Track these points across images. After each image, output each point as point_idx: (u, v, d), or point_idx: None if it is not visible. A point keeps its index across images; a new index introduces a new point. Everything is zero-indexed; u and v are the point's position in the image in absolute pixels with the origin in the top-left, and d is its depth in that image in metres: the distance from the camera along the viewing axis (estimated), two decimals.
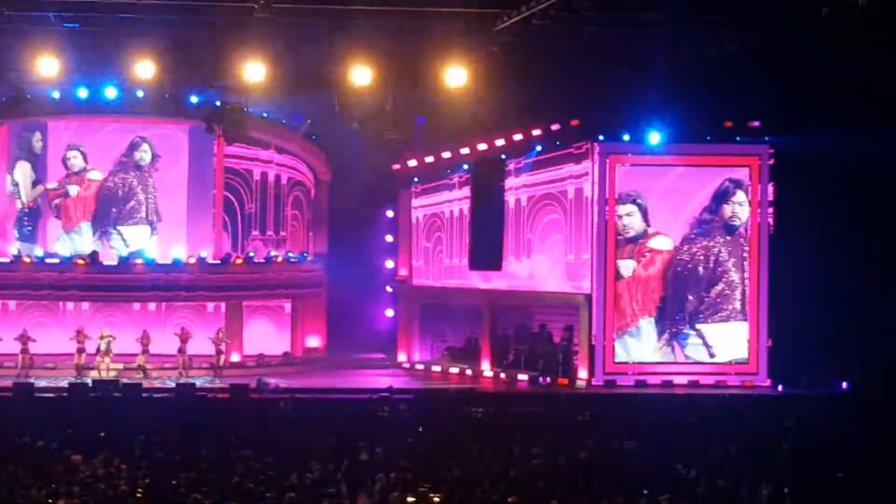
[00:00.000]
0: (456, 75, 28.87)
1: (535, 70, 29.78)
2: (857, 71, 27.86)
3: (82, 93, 31.11)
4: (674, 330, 32.23)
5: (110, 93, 30.40)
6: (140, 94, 31.25)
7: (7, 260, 35.04)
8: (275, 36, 27.83)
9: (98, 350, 32.89)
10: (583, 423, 26.37)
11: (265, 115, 35.54)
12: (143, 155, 36.09)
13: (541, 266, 34.06)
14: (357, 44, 28.43)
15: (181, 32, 27.66)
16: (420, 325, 37.60)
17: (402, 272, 38.02)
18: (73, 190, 36.06)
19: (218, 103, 31.10)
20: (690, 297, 32.21)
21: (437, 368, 35.90)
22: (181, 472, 19.15)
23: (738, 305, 32.28)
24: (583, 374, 32.31)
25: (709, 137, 32.52)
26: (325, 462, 19.91)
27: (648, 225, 32.37)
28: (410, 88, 29.80)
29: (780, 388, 31.68)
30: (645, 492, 18.22)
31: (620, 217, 32.26)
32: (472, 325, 36.28)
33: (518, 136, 33.55)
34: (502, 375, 33.91)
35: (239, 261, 35.91)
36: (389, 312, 38.26)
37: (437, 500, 18.58)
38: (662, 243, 32.31)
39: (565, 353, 33.14)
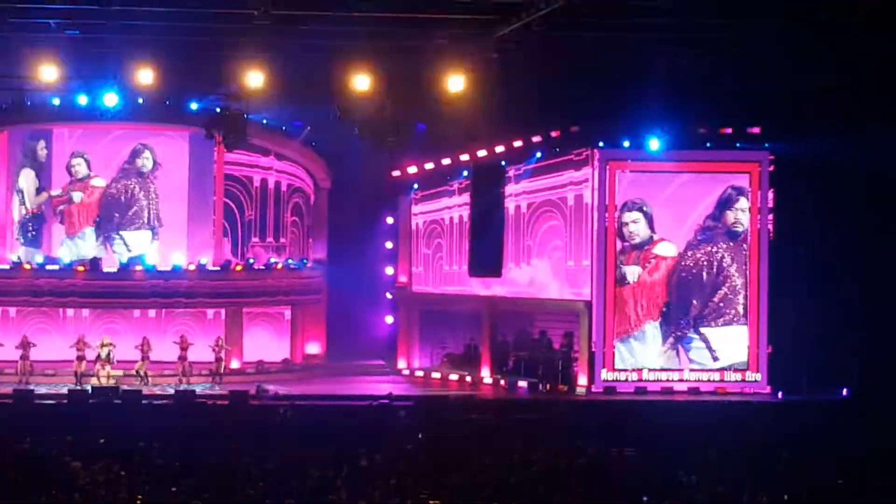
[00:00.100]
0: (456, 82, 28.93)
1: (534, 77, 29.84)
2: (857, 76, 27.91)
3: (84, 100, 31.10)
4: (678, 334, 32.30)
5: (110, 100, 30.40)
6: (141, 101, 31.25)
7: (7, 267, 35.08)
8: (275, 43, 27.90)
9: (98, 358, 32.88)
10: (582, 429, 26.34)
11: (265, 121, 35.62)
12: (145, 162, 36.23)
13: (541, 273, 34.05)
14: (357, 51, 28.49)
15: (182, 39, 27.71)
16: (420, 332, 37.58)
17: (402, 279, 38.01)
18: (77, 196, 36.20)
19: (218, 110, 31.17)
20: (694, 302, 32.30)
21: (436, 375, 35.89)
22: (181, 478, 19.14)
23: (740, 310, 32.35)
24: (582, 380, 32.28)
25: (709, 144, 32.55)
26: (324, 469, 19.89)
27: (654, 232, 32.44)
28: (410, 95, 29.84)
29: (780, 394, 31.67)
30: (645, 498, 18.22)
31: (626, 224, 32.35)
32: (472, 331, 36.26)
33: (518, 143, 33.57)
34: (502, 382, 33.89)
35: (239, 267, 35.92)
36: (389, 319, 38.24)
37: None
38: (667, 249, 32.41)
39: (565, 360, 33.12)
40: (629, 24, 26.18)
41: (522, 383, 33.18)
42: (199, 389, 31.67)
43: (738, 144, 32.46)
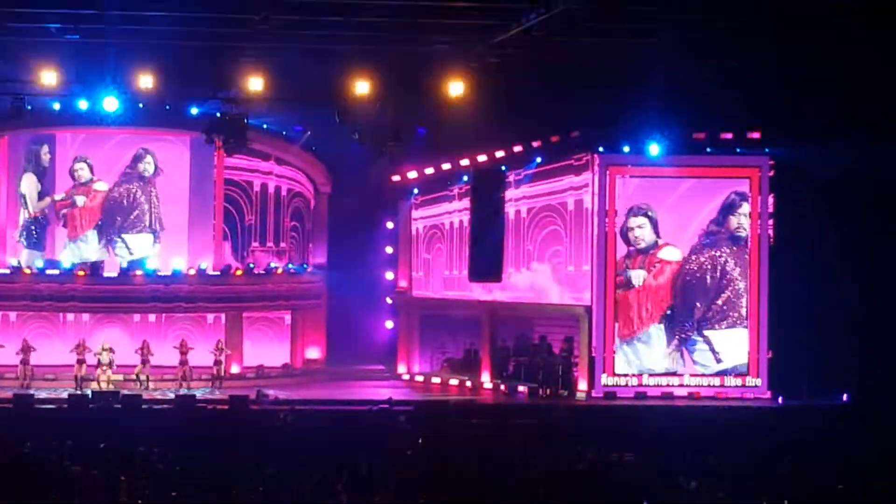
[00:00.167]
0: (456, 87, 28.95)
1: (534, 82, 29.85)
2: (857, 81, 27.92)
3: (86, 105, 31.10)
4: (682, 336, 32.38)
5: (110, 105, 30.40)
6: (142, 105, 31.27)
7: (7, 271, 35.11)
8: (275, 47, 27.90)
9: (98, 363, 32.89)
10: (582, 434, 26.32)
11: (265, 126, 35.63)
12: (147, 166, 36.33)
13: (541, 277, 34.06)
14: (357, 55, 28.51)
15: (182, 44, 27.72)
16: (420, 337, 37.56)
17: (402, 283, 38.00)
18: (80, 200, 36.29)
19: (218, 115, 31.18)
20: (698, 305, 32.42)
21: (436, 380, 35.87)
22: (181, 483, 19.14)
23: (743, 313, 32.45)
24: (583, 385, 32.29)
25: (709, 149, 32.57)
26: (324, 473, 19.88)
27: (658, 236, 32.54)
28: (410, 100, 29.86)
29: (780, 399, 31.68)
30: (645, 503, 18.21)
31: (632, 229, 32.47)
32: (472, 336, 36.25)
33: (518, 148, 33.57)
34: (502, 387, 33.88)
35: (239, 272, 35.95)
36: (389, 324, 38.22)
37: None
38: (672, 254, 32.53)
39: (565, 365, 33.12)
40: (629, 30, 26.20)
41: (522, 388, 33.18)
42: (199, 394, 31.69)
43: (738, 150, 32.49)
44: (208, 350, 34.30)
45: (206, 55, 28.79)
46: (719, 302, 32.45)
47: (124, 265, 35.59)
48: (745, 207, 32.51)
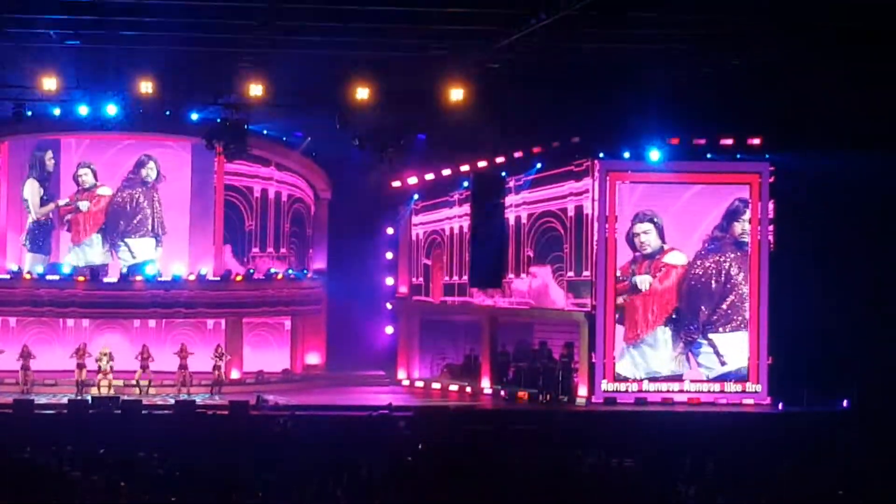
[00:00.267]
0: (456, 93, 28.98)
1: (534, 87, 29.86)
2: (857, 87, 27.93)
3: (85, 111, 31.21)
4: (688, 339, 32.43)
5: (111, 110, 30.47)
6: (143, 111, 31.29)
7: (7, 276, 35.14)
8: (275, 53, 27.91)
9: (99, 368, 32.89)
10: (582, 440, 26.32)
11: (266, 132, 35.67)
12: (150, 172, 36.46)
13: (541, 283, 34.07)
14: (357, 61, 28.53)
15: (182, 50, 27.74)
16: (420, 343, 37.58)
17: (402, 289, 38.02)
18: (84, 205, 36.42)
19: (219, 120, 31.21)
20: (703, 309, 32.52)
21: (436, 386, 35.87)
22: (181, 488, 19.12)
23: (747, 316, 32.57)
24: (582, 391, 32.29)
25: (709, 155, 32.60)
26: (324, 479, 19.88)
27: (664, 241, 32.58)
28: (410, 106, 29.90)
29: (780, 405, 31.68)
30: None
31: (638, 235, 32.59)
32: (472, 342, 36.27)
33: (518, 154, 33.60)
34: (502, 393, 33.87)
35: (239, 277, 35.97)
36: (389, 329, 38.23)
37: None
38: (677, 258, 32.65)
39: (565, 371, 33.11)
40: (629, 35, 26.21)
41: (522, 394, 33.16)
42: (198, 399, 31.67)
43: (738, 156, 32.53)
44: (208, 355, 34.30)
45: (207, 61, 28.81)
46: (724, 306, 32.58)
47: (124, 271, 35.61)
48: (749, 213, 32.61)
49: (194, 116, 32.96)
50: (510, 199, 34.52)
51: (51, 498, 18.51)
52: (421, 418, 28.96)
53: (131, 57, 28.27)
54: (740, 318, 32.53)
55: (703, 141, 32.29)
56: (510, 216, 34.62)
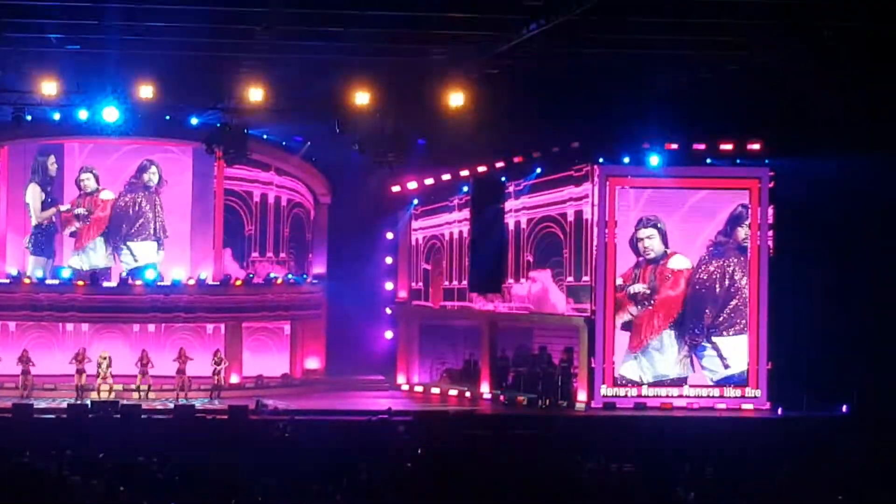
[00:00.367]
0: (455, 97, 28.98)
1: (534, 92, 29.89)
2: (857, 92, 27.95)
3: (85, 115, 31.19)
4: (692, 343, 32.50)
5: (110, 115, 30.45)
6: (143, 116, 31.32)
7: (7, 281, 35.16)
8: (275, 58, 27.92)
9: (98, 373, 32.89)
10: (582, 445, 26.32)
11: (265, 136, 35.67)
12: (152, 177, 36.50)
13: (540, 288, 34.08)
14: (357, 66, 28.54)
15: (182, 54, 27.75)
16: (419, 347, 37.57)
17: (402, 294, 38.02)
18: (86, 210, 36.41)
19: (219, 125, 31.22)
20: (708, 312, 32.60)
21: (436, 390, 35.87)
22: (181, 492, 19.13)
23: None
24: (582, 396, 32.30)
25: (709, 160, 32.62)
26: (323, 483, 19.88)
27: (667, 246, 32.62)
28: (410, 110, 29.91)
29: (779, 410, 31.68)
30: None
31: (641, 240, 32.66)
32: (472, 347, 36.27)
33: (518, 158, 33.61)
34: (501, 397, 33.87)
35: (238, 282, 35.98)
36: (388, 334, 38.22)
37: None
38: (681, 263, 32.72)
39: (564, 376, 33.13)
40: (629, 41, 26.23)
41: (522, 399, 33.16)
42: (198, 404, 31.69)
43: (738, 161, 32.56)
44: (207, 360, 34.31)
45: (207, 65, 28.82)
46: (728, 310, 32.67)
47: (124, 274, 35.64)
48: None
49: (194, 121, 32.99)
50: (510, 204, 34.54)
51: (50, 502, 18.51)
52: (420, 423, 28.96)
53: (131, 61, 28.26)
54: (743, 321, 32.61)
55: (702, 146, 32.30)
56: (510, 221, 34.63)
